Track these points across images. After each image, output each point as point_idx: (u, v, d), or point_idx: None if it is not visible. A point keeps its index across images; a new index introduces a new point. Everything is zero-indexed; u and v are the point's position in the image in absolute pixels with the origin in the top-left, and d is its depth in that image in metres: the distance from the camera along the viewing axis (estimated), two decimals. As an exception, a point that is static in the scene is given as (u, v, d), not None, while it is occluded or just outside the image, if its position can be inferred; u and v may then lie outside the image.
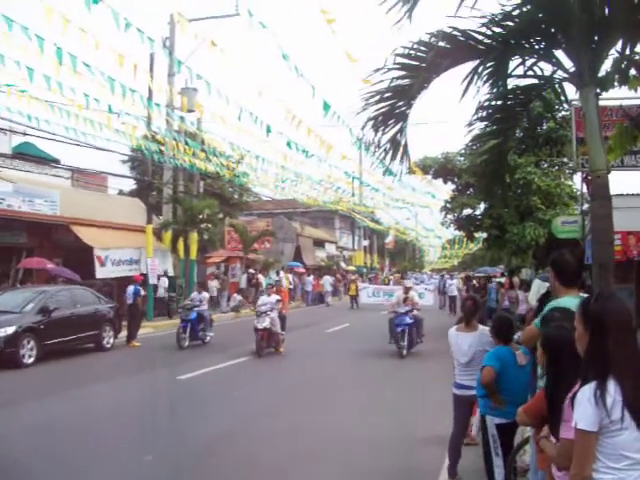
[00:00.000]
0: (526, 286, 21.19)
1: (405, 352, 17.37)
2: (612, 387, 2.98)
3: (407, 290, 18.86)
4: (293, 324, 26.71)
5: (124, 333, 20.41)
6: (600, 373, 3.02)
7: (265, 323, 17.51)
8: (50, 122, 20.93)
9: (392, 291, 28.99)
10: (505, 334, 6.39)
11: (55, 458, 8.30)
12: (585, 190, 17.43)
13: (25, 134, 24.76)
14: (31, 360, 15.70)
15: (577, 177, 21.65)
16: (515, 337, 6.64)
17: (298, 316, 32.85)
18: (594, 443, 3.00)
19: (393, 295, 23.00)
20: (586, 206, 17.42)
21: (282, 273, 41.44)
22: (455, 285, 36.10)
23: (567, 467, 3.45)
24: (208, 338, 20.34)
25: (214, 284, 34.37)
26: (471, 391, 6.91)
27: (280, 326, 18.39)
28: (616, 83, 7.79)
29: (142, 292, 21.96)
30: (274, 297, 18.68)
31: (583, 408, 3.01)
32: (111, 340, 19.13)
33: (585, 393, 3.02)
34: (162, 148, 27.45)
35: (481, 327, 7.36)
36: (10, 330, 15.42)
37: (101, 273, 25.67)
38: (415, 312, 18.07)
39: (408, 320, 17.49)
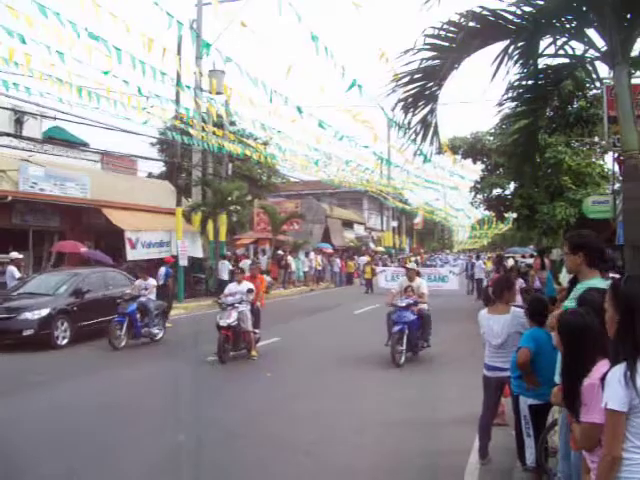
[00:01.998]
0: (520, 273, 20.83)
1: (402, 360, 13.33)
2: (643, 368, 3.00)
3: (412, 276, 14.66)
4: (324, 304, 27.28)
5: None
6: (630, 354, 3.03)
7: (230, 319, 13.83)
8: (80, 105, 21.05)
9: None
10: (539, 316, 6.38)
11: (88, 436, 8.45)
12: (617, 170, 17.27)
13: (55, 118, 25.01)
14: (65, 341, 15.94)
15: (608, 156, 21.44)
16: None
17: (329, 296, 33.41)
18: (623, 423, 3.02)
19: None
20: (617, 186, 17.27)
21: (312, 254, 41.58)
22: (480, 266, 32.43)
23: (589, 449, 3.49)
24: (160, 335, 16.96)
25: (225, 266, 30.09)
26: (502, 373, 6.91)
27: (253, 323, 14.60)
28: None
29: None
30: (245, 285, 14.66)
31: (613, 388, 3.03)
32: (143, 321, 19.30)
33: (615, 374, 3.04)
34: (191, 130, 27.55)
35: (513, 309, 7.32)
36: (44, 312, 15.64)
37: (132, 255, 25.81)
38: (421, 306, 14.05)
39: (410, 317, 13.53)
